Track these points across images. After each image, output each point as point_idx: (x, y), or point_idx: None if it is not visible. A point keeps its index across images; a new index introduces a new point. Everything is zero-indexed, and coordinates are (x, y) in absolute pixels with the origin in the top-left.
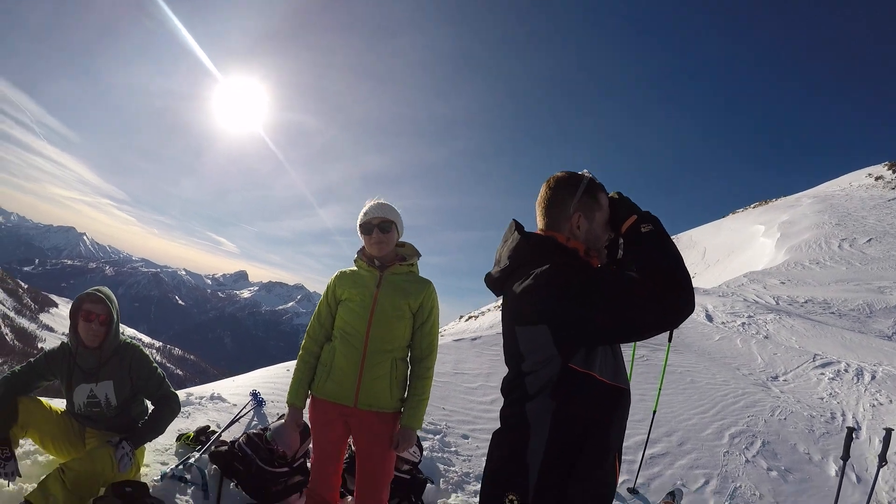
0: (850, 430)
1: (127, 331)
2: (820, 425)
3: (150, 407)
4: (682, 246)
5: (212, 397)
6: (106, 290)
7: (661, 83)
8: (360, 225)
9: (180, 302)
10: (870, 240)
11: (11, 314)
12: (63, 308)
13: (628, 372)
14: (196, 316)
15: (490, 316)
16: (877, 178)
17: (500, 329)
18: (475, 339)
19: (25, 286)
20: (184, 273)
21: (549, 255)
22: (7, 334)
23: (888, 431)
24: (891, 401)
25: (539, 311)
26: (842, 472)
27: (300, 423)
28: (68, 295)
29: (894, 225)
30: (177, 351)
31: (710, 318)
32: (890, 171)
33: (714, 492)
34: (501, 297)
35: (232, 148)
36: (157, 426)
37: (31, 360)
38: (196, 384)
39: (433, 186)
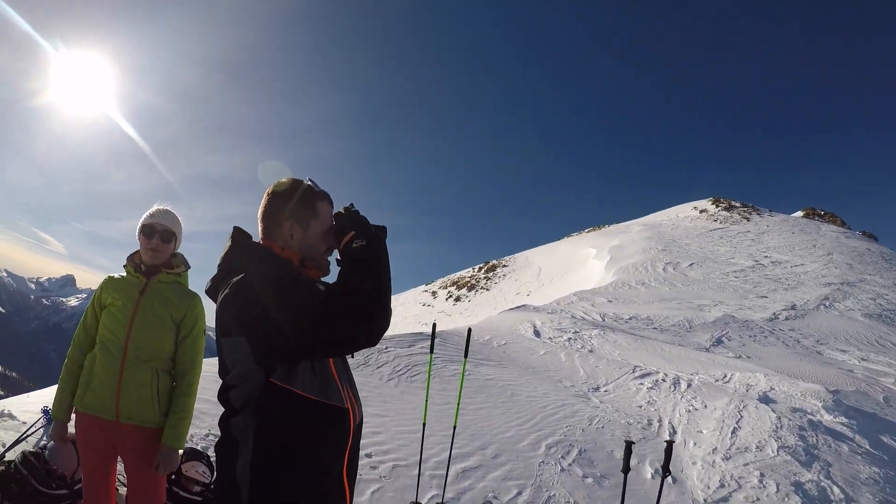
0: (670, 444)
1: None
2: (636, 431)
3: None
4: (517, 265)
5: (1, 415)
6: None
7: (517, 103)
8: (142, 225)
9: (0, 308)
10: (692, 264)
11: None
12: None
13: (458, 387)
14: (18, 325)
15: None
16: (701, 211)
17: None
18: None
19: None
20: (5, 274)
21: (258, 264)
22: None
23: (669, 444)
24: (705, 406)
25: (235, 322)
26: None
27: (65, 437)
28: None
29: (714, 252)
30: None
31: (537, 333)
32: (713, 206)
33: (527, 502)
34: None
35: (64, 130)
36: None
37: None
38: None
39: None
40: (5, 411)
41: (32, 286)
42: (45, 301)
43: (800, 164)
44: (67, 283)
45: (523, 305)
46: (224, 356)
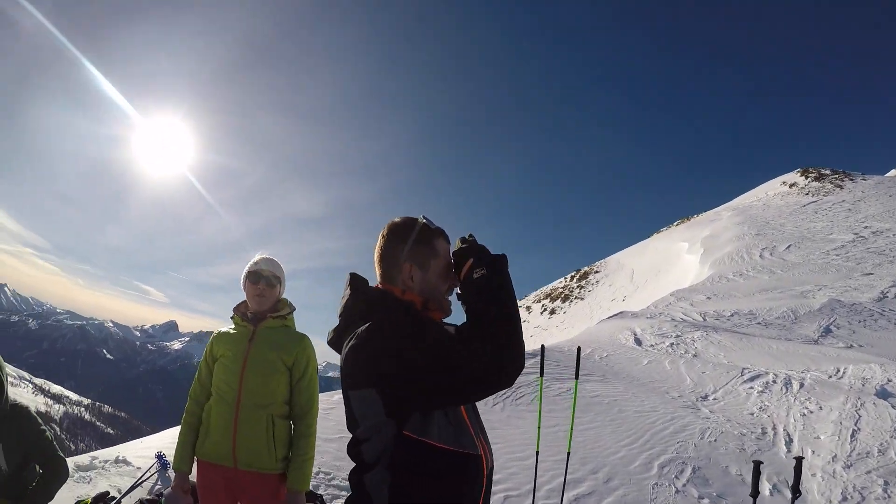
0: (800, 461)
1: (53, 388)
2: (751, 443)
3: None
4: (609, 270)
5: (116, 460)
6: None
7: (591, 108)
8: (247, 272)
9: (108, 356)
10: (789, 246)
11: None
12: None
13: (566, 408)
14: (126, 370)
15: None
16: (791, 185)
17: None
18: None
19: None
20: (111, 325)
21: (380, 311)
22: None
23: (798, 461)
24: (820, 407)
25: (364, 374)
26: None
27: (186, 488)
28: None
29: (811, 229)
30: (107, 408)
31: (638, 341)
32: (803, 178)
33: None
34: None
35: (157, 191)
36: (44, 492)
37: None
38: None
39: (364, 224)
40: (120, 457)
41: (137, 333)
42: (150, 346)
43: (883, 118)
44: (170, 328)
45: (621, 313)
46: (353, 409)
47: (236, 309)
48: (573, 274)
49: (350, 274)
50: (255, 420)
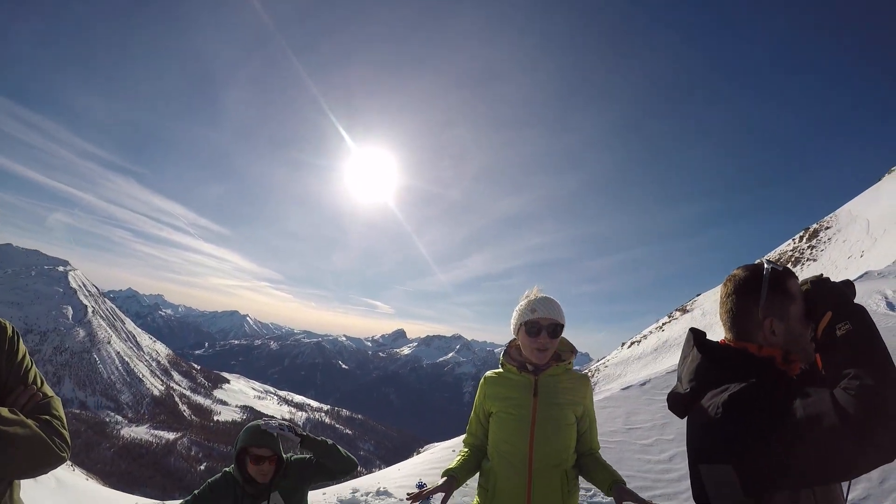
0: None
1: (296, 398)
2: None
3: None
4: (842, 223)
5: (378, 492)
6: (270, 429)
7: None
8: (523, 322)
9: (344, 366)
10: None
11: (188, 393)
12: (235, 383)
13: None
14: (360, 377)
15: (652, 339)
16: None
17: (669, 365)
18: (644, 384)
19: (198, 367)
20: (344, 339)
21: (737, 372)
22: (185, 411)
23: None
24: None
25: (721, 449)
26: None
27: (451, 487)
28: (239, 371)
29: None
30: (344, 412)
31: (891, 305)
32: None
33: None
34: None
35: (372, 216)
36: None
37: (196, 492)
38: (365, 442)
39: (569, 217)
40: (381, 488)
41: (369, 344)
42: (381, 354)
43: None
44: (399, 336)
45: (865, 273)
46: (704, 483)
47: (508, 356)
48: (801, 234)
49: (691, 331)
50: (550, 482)
